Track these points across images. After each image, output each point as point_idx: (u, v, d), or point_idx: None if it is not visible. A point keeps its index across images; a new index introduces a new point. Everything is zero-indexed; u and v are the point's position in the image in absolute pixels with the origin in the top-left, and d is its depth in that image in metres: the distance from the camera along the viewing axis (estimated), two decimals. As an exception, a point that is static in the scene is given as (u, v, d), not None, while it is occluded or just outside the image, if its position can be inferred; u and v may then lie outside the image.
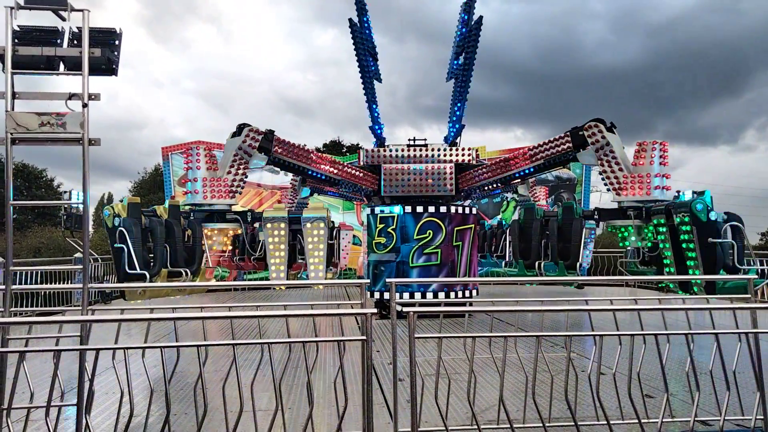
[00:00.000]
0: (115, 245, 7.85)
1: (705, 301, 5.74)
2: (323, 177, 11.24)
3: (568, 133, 10.16)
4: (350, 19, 11.42)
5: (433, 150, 11.64)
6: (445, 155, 11.59)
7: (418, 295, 10.76)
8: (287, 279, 10.88)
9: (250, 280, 18.57)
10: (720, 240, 8.07)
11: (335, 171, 11.14)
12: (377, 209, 11.39)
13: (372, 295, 11.31)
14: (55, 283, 13.37)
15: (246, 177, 9.36)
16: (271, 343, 3.80)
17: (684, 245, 8.70)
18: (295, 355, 4.25)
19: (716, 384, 4.52)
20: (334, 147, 39.67)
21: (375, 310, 3.75)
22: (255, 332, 8.96)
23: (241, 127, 9.70)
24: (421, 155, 11.61)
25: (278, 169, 12.42)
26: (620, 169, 9.58)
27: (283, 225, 10.52)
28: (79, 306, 4.83)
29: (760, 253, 15.83)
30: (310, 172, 11.04)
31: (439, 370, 4.20)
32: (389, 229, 11.13)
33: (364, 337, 3.54)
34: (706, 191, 8.52)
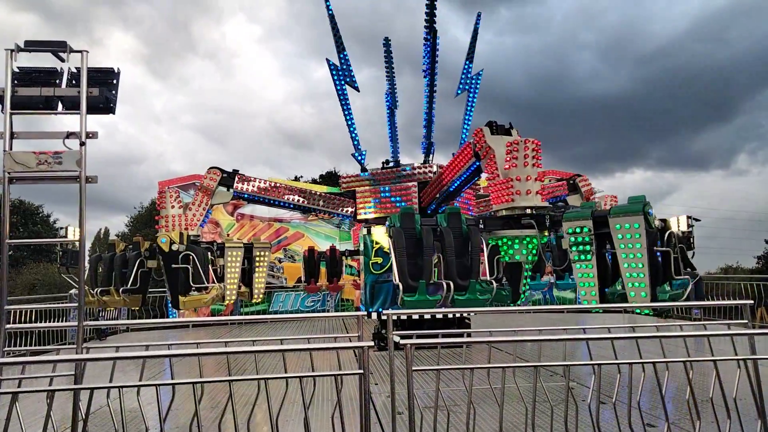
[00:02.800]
0: (173, 266, 8.96)
1: (703, 327, 5.73)
2: (293, 206, 11.96)
3: (469, 143, 9.20)
4: (328, 60, 12.40)
5: (398, 171, 11.91)
6: (409, 174, 11.84)
7: (415, 316, 10.64)
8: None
9: (246, 313, 18.44)
10: (664, 248, 7.36)
11: (303, 200, 11.79)
12: (372, 229, 11.55)
13: (369, 316, 11.31)
14: (49, 320, 13.23)
15: (206, 210, 10.42)
16: (268, 378, 3.77)
17: (624, 255, 7.38)
18: (292, 390, 4.21)
19: (717, 412, 4.48)
20: (330, 178, 39.86)
21: (372, 343, 3.74)
22: (251, 365, 8.85)
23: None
24: (388, 177, 11.90)
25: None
26: (497, 176, 8.50)
27: (240, 252, 11.24)
28: (73, 343, 4.79)
29: (744, 277, 15.83)
30: (278, 203, 11.77)
31: (437, 402, 4.16)
32: (386, 249, 11.22)
33: (362, 371, 3.52)
34: (642, 195, 7.44)
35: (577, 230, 7.69)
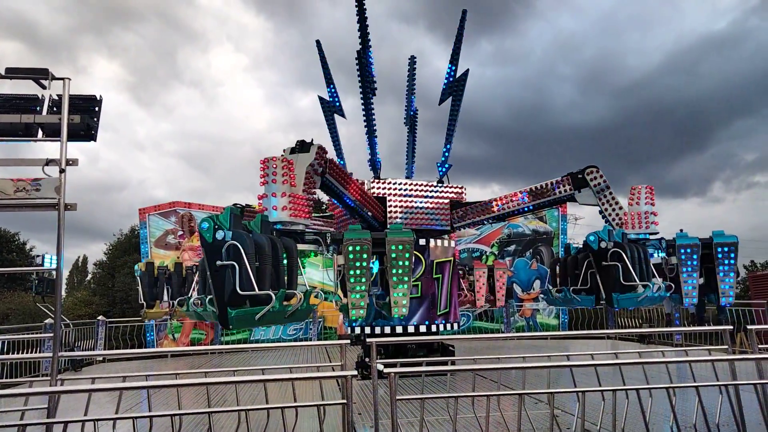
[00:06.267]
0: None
1: (684, 353, 5.77)
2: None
3: None
4: (319, 96, 13.06)
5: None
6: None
7: (399, 329, 10.70)
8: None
9: (226, 342, 18.13)
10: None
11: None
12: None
13: (353, 331, 11.23)
14: (22, 351, 12.85)
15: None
16: (249, 409, 3.69)
17: (395, 270, 8.17)
18: (274, 421, 4.11)
19: (701, 438, 4.49)
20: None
21: (355, 372, 3.69)
22: (232, 396, 8.65)
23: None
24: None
25: None
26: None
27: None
28: (47, 375, 4.66)
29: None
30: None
31: (422, 432, 4.10)
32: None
33: (345, 401, 3.47)
34: (401, 224, 7.90)
35: (357, 249, 8.03)
